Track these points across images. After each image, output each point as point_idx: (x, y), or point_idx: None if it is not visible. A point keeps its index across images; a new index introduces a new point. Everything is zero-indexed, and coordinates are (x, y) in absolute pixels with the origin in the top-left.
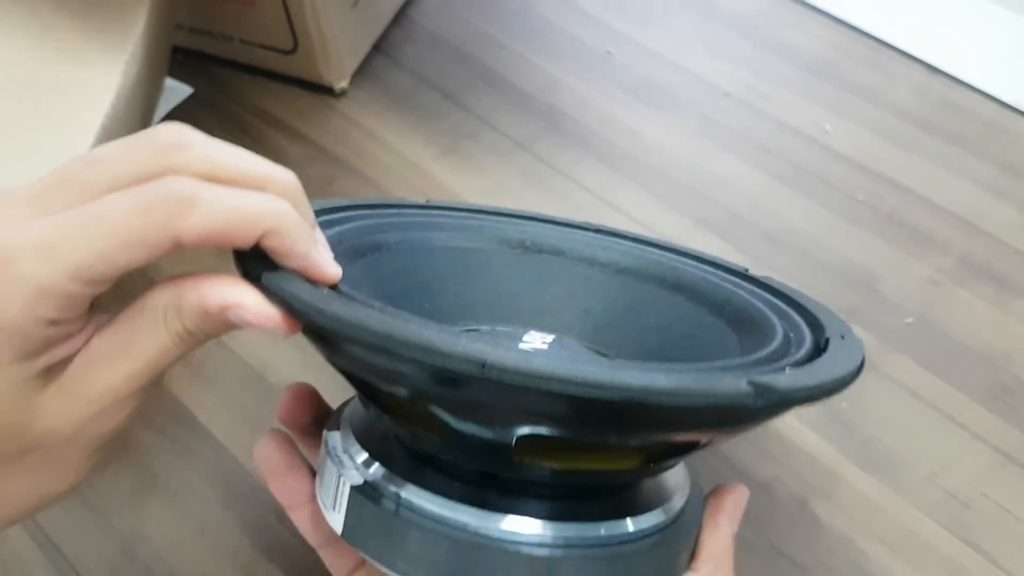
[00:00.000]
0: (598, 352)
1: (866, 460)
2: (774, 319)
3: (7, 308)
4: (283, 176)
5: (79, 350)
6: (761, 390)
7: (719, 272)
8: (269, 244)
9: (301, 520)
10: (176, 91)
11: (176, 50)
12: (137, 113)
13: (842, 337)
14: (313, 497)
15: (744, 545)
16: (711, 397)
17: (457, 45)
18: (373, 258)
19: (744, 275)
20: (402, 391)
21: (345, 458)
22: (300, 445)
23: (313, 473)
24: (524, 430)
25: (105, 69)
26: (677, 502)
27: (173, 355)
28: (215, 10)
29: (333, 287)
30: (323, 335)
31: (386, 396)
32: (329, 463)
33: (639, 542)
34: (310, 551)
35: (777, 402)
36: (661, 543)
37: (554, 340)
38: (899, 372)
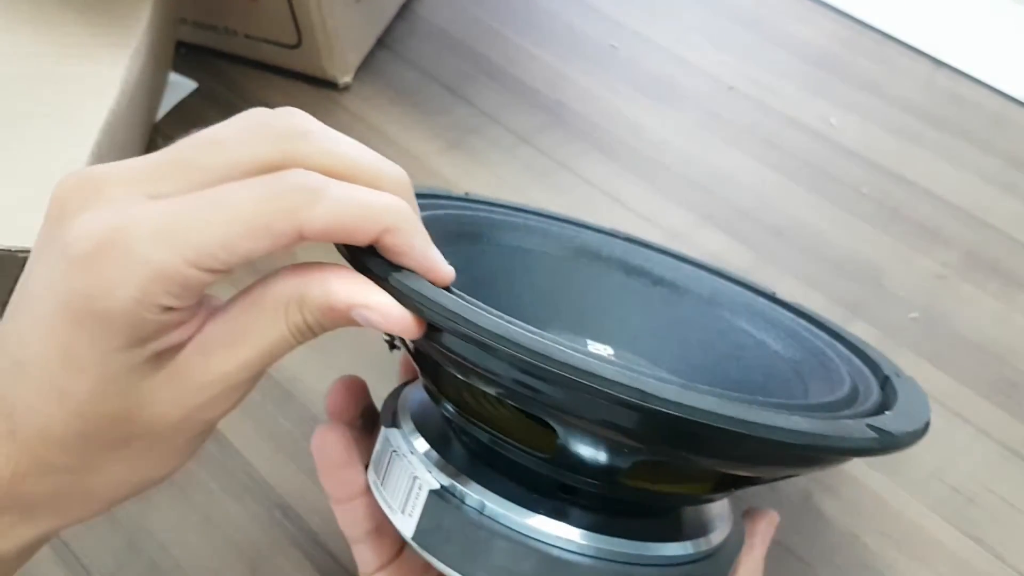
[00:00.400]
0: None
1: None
2: (826, 350)
3: (121, 293)
4: (396, 173)
5: (191, 336)
6: (883, 437)
7: (752, 294)
8: (389, 241)
9: (347, 514)
10: (180, 86)
11: (180, 45)
12: (141, 108)
13: (897, 375)
14: (364, 492)
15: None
16: (843, 442)
17: (461, 39)
18: (451, 251)
19: (776, 300)
20: (521, 405)
21: (416, 460)
22: None
23: (365, 467)
24: (646, 455)
25: (109, 64)
26: (728, 522)
27: (289, 346)
28: (219, 5)
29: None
30: (450, 343)
31: (488, 409)
32: (399, 464)
33: (704, 561)
34: (315, 545)
35: (892, 447)
36: (720, 561)
37: (615, 354)
38: (903, 367)
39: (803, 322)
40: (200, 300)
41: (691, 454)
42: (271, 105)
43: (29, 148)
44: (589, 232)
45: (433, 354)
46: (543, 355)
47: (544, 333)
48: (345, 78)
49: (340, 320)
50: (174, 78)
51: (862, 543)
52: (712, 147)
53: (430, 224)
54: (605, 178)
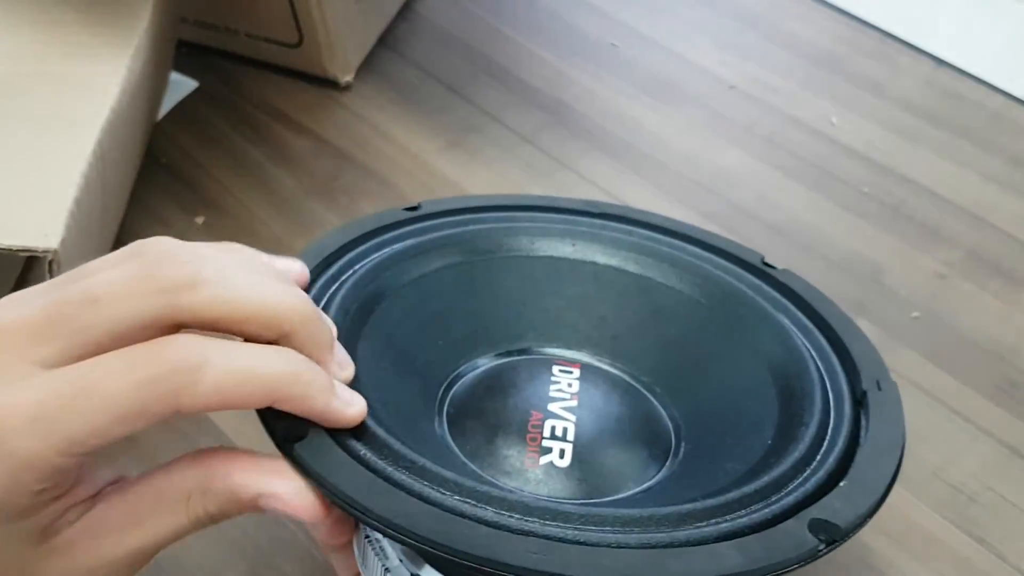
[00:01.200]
0: (620, 370)
1: None
2: (808, 360)
3: None
4: (296, 308)
5: (80, 504)
6: (824, 536)
7: (736, 268)
8: (283, 407)
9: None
10: (181, 85)
11: (181, 44)
12: (142, 108)
13: (879, 386)
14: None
15: None
16: (781, 566)
17: (462, 38)
18: (380, 311)
19: (764, 273)
20: None
21: (389, 550)
22: None
23: None
24: None
25: (110, 63)
26: None
27: (186, 534)
28: (220, 4)
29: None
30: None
31: None
32: (371, 551)
33: None
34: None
35: (840, 542)
36: None
37: (581, 380)
38: (905, 366)
39: (790, 306)
40: (80, 475)
41: None
42: (273, 105)
43: (30, 148)
44: (555, 223)
45: None
46: (433, 541)
47: (464, 485)
48: (346, 77)
49: (246, 509)
50: (175, 77)
51: (862, 542)
52: (713, 146)
53: (365, 284)
54: (606, 177)
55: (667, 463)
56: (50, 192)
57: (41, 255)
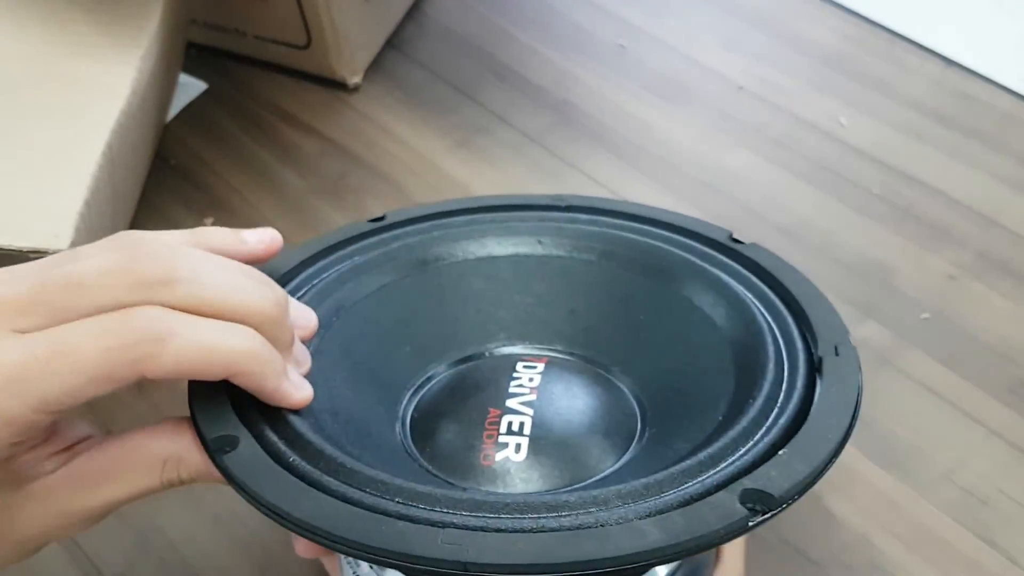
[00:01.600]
0: (591, 361)
1: (882, 456)
2: (765, 332)
3: None
4: (264, 305)
5: (56, 455)
6: (758, 506)
7: (702, 247)
8: (238, 382)
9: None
10: (190, 86)
11: (190, 45)
12: (152, 109)
13: (836, 351)
14: None
15: (758, 541)
16: (706, 539)
17: (470, 39)
18: (339, 324)
19: (730, 249)
20: None
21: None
22: None
23: None
24: None
25: (120, 64)
26: None
27: (155, 492)
28: (229, 6)
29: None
30: None
31: None
32: (343, 559)
33: None
34: None
35: (776, 511)
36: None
37: (544, 374)
38: (915, 367)
39: (754, 279)
40: (53, 429)
41: None
42: (281, 106)
43: (40, 148)
44: (521, 221)
45: None
46: (350, 540)
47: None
48: (354, 79)
49: (215, 482)
50: (184, 79)
51: (873, 544)
52: (721, 147)
53: (325, 296)
54: (613, 177)
55: (630, 449)
56: (60, 193)
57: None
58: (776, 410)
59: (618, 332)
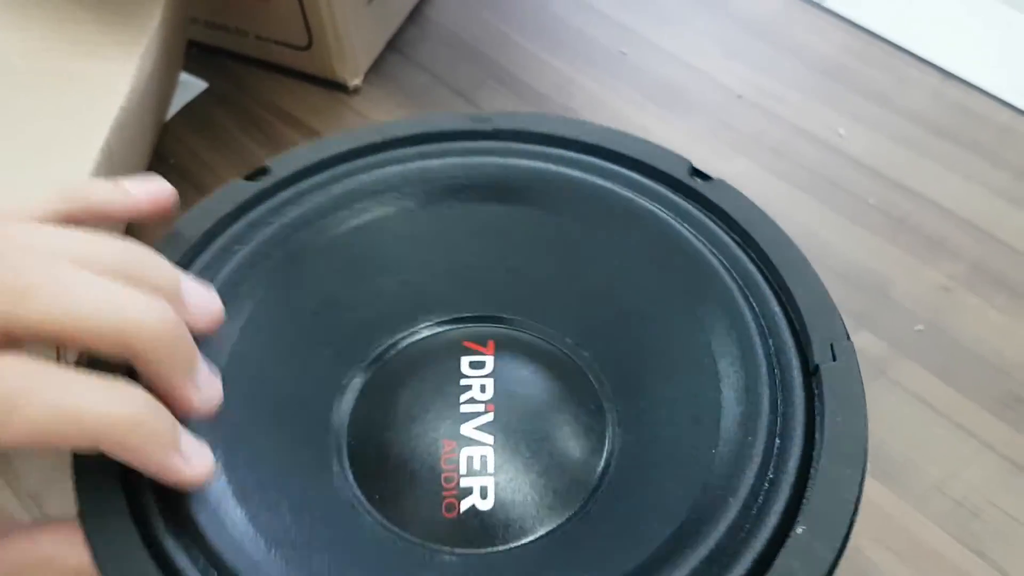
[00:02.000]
0: (542, 335)
1: (874, 467)
2: (751, 323)
3: None
4: (146, 323)
5: None
6: None
7: (658, 187)
8: (113, 456)
9: None
10: (190, 86)
11: (191, 44)
12: (152, 107)
13: (832, 356)
14: None
15: None
16: None
17: (472, 43)
18: (240, 340)
19: (690, 188)
20: None
21: None
22: None
23: None
24: None
25: (120, 62)
26: None
27: None
28: (231, 5)
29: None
30: None
31: None
32: None
33: None
34: None
35: None
36: None
37: (495, 375)
38: (908, 379)
39: (737, 251)
40: None
41: None
42: (282, 107)
43: (39, 146)
44: (432, 157)
45: None
46: None
47: None
48: (355, 80)
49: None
50: (184, 78)
51: (863, 555)
52: (719, 155)
53: (236, 283)
54: None
55: (599, 467)
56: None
57: None
58: (776, 454)
59: (569, 292)
